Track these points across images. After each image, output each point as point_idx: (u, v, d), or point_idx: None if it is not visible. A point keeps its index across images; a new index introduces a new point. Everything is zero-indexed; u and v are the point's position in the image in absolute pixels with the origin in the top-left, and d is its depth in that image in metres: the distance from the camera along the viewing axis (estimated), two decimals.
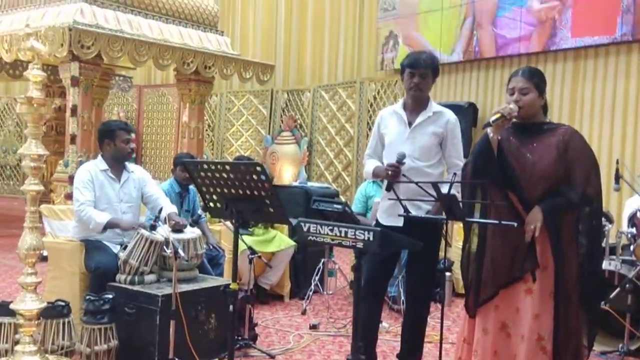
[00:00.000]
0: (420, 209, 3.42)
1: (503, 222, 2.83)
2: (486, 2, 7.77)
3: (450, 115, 3.58)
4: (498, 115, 2.95)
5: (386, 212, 3.57)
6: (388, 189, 3.38)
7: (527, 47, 7.34)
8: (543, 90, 3.06)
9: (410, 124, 3.53)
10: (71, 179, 6.14)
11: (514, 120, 3.04)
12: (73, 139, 6.57)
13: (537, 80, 3.04)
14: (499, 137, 3.02)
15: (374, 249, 2.60)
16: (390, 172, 3.36)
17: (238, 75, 8.04)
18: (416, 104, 3.55)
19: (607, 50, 6.72)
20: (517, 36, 7.43)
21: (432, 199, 3.06)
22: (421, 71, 3.47)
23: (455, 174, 3.29)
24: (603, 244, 4.26)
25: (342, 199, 9.29)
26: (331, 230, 2.65)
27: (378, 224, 3.64)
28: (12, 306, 3.17)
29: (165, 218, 3.99)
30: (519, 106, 2.98)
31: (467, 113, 7.62)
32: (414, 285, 3.64)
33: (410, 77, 3.49)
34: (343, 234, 2.61)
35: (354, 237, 2.58)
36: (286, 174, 10.25)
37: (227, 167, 2.99)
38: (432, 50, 8.27)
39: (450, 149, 3.55)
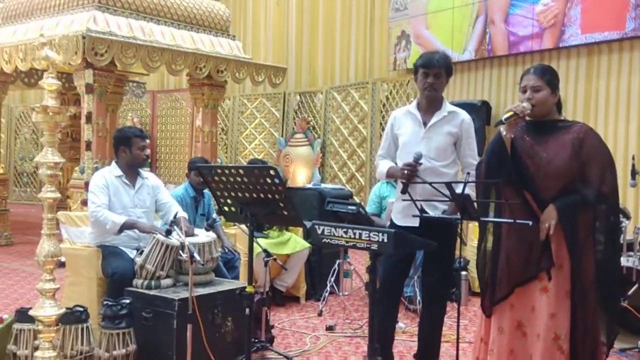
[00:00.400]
0: (437, 209, 3.42)
1: (518, 221, 2.81)
2: (499, 0, 7.73)
3: (465, 115, 3.58)
4: (510, 113, 2.94)
5: (401, 213, 3.57)
6: (403, 191, 3.38)
7: (539, 45, 7.30)
8: (556, 87, 3.04)
9: (425, 124, 3.53)
10: (87, 185, 6.18)
11: (527, 118, 3.03)
12: (88, 146, 6.63)
13: (549, 77, 3.02)
14: (513, 136, 3.00)
15: (389, 251, 2.60)
16: (407, 172, 3.36)
17: (250, 79, 8.07)
18: (430, 104, 3.55)
19: (621, 45, 6.67)
20: (529, 33, 7.39)
21: (447, 199, 3.05)
22: (435, 71, 3.47)
23: (469, 173, 3.29)
24: (621, 240, 4.23)
25: (356, 199, 9.29)
26: (345, 233, 2.66)
27: (393, 224, 3.64)
28: (31, 313, 3.19)
29: (178, 220, 4.02)
30: (532, 104, 2.96)
31: (481, 111, 7.60)
32: (430, 286, 3.64)
33: (424, 77, 3.49)
34: (357, 236, 2.62)
35: (368, 239, 2.58)
36: (300, 176, 10.26)
37: (241, 171, 3.00)
38: (443, 49, 8.28)
39: (465, 149, 3.55)
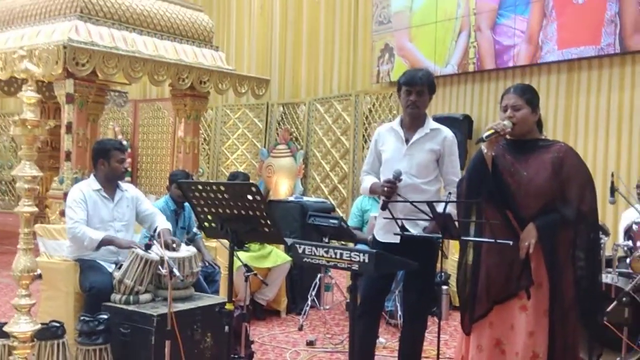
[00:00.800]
0: (417, 226, 3.42)
1: (499, 241, 2.83)
2: (487, 9, 7.82)
3: (448, 132, 3.60)
4: (491, 131, 2.96)
5: (383, 229, 3.58)
6: (383, 207, 3.39)
7: (520, 57, 7.39)
8: (536, 106, 3.07)
9: (407, 140, 3.55)
10: (66, 195, 6.12)
11: (508, 136, 3.05)
12: (68, 156, 6.56)
13: (529, 96, 3.05)
14: (494, 154, 3.02)
15: (370, 271, 2.60)
16: (386, 189, 3.36)
17: (233, 90, 8.05)
18: (413, 121, 3.57)
19: (601, 62, 6.76)
20: (512, 44, 7.47)
21: (428, 217, 3.06)
22: (418, 88, 3.49)
23: (450, 193, 3.30)
24: (599, 257, 4.26)
25: (339, 211, 9.28)
26: (326, 252, 2.65)
27: (375, 240, 3.64)
28: (6, 329, 3.14)
29: (158, 234, 3.98)
30: (513, 122, 2.99)
31: (462, 125, 7.64)
32: (411, 301, 3.64)
33: (407, 94, 3.51)
34: (338, 256, 2.61)
35: (349, 259, 2.57)
36: (282, 187, 10.24)
37: (222, 188, 2.99)
38: (427, 62, 8.33)
39: (447, 166, 3.57)
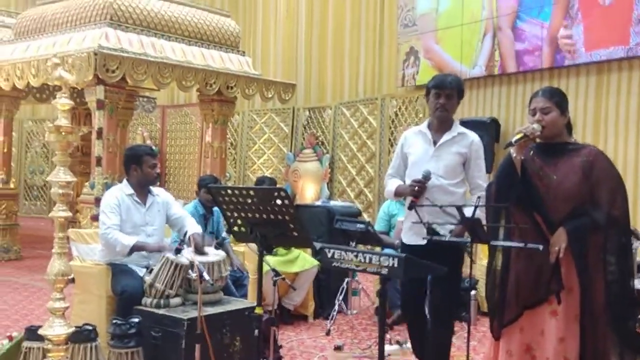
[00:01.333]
0: (444, 227, 3.42)
1: (529, 246, 2.81)
2: (507, 14, 7.78)
3: (474, 136, 3.64)
4: (520, 135, 2.94)
5: (410, 231, 3.60)
6: (410, 207, 3.40)
7: (541, 62, 7.33)
8: (565, 109, 3.05)
9: (435, 142, 3.58)
10: (97, 200, 6.22)
11: (537, 140, 3.03)
12: (99, 161, 6.66)
13: (557, 99, 3.03)
14: (523, 157, 3.01)
15: (399, 276, 2.60)
16: (416, 188, 3.38)
17: (260, 95, 8.11)
18: (441, 125, 3.61)
19: (630, 63, 6.66)
20: (531, 48, 7.44)
21: (456, 223, 3.05)
22: (447, 92, 3.53)
23: (479, 197, 3.29)
24: (632, 262, 4.19)
25: (365, 216, 9.28)
26: (355, 257, 2.66)
27: (403, 243, 3.66)
28: (40, 332, 3.20)
29: (189, 239, 4.03)
30: (542, 125, 2.97)
31: (490, 128, 7.59)
32: (437, 305, 3.63)
33: (436, 97, 3.54)
34: (367, 260, 2.62)
35: (378, 263, 2.58)
36: (308, 192, 10.27)
37: (251, 192, 3.02)
38: (454, 64, 8.30)
39: (474, 169, 3.59)
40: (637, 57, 6.53)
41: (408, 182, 3.58)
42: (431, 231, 3.28)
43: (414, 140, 3.68)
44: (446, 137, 3.58)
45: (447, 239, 3.25)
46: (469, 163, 3.59)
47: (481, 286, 5.50)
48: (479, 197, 3.27)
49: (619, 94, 6.78)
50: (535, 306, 2.96)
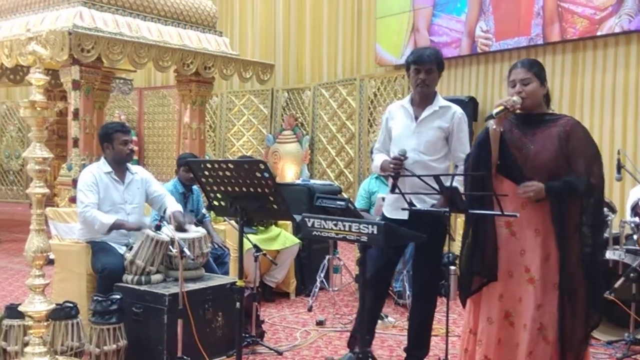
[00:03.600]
0: (425, 203, 3.45)
1: (506, 213, 2.84)
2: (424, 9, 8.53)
3: (457, 109, 3.62)
4: (501, 107, 2.96)
5: (391, 206, 3.62)
6: (392, 189, 3.41)
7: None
8: (544, 80, 3.07)
9: (416, 118, 3.57)
10: (75, 182, 6.16)
11: (517, 111, 3.06)
12: (76, 143, 6.59)
13: (536, 69, 3.05)
14: (502, 129, 3.03)
15: (379, 243, 2.62)
16: (392, 166, 3.39)
17: (238, 75, 8.05)
18: (423, 99, 3.59)
19: (606, 41, 6.74)
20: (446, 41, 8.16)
21: (435, 192, 3.08)
22: (427, 67, 3.51)
23: (457, 166, 3.31)
24: (607, 234, 4.27)
25: (345, 196, 9.30)
26: (335, 225, 2.68)
27: (384, 217, 3.67)
28: (21, 308, 3.19)
29: (169, 217, 4.01)
30: (522, 97, 2.99)
31: (468, 107, 7.62)
32: (420, 281, 3.67)
33: (416, 73, 3.53)
34: (347, 228, 2.63)
35: (358, 231, 2.60)
36: (288, 173, 10.27)
37: (231, 166, 3.01)
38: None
39: (455, 143, 3.57)
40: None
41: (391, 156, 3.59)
42: (411, 204, 3.30)
43: (396, 115, 3.66)
44: (427, 111, 3.55)
45: (425, 209, 3.27)
46: (451, 137, 3.56)
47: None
48: (456, 167, 3.29)
49: (594, 71, 6.88)
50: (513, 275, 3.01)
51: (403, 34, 8.89)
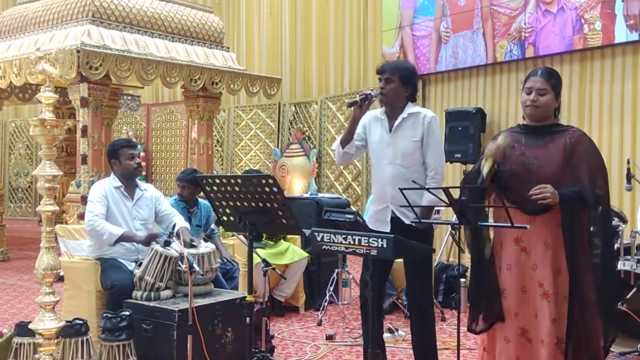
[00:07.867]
0: (407, 217, 3.43)
1: (515, 225, 2.82)
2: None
3: (427, 112, 3.59)
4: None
5: (373, 217, 3.60)
6: (351, 105, 3.52)
7: None
8: (559, 93, 3.05)
9: (390, 129, 3.57)
10: (83, 199, 6.20)
11: (525, 122, 3.05)
12: (84, 159, 6.63)
13: (554, 81, 3.03)
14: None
15: (388, 256, 2.61)
16: (358, 98, 3.46)
17: (245, 90, 8.09)
18: (392, 109, 3.58)
19: (613, 51, 6.73)
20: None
21: (444, 205, 3.06)
22: (385, 76, 3.54)
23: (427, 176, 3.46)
24: (617, 244, 4.24)
25: (353, 209, 9.28)
26: (344, 239, 2.67)
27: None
28: (31, 326, 3.19)
29: (177, 232, 4.01)
30: (536, 106, 2.97)
31: (475, 118, 7.62)
32: (414, 298, 3.63)
33: (379, 82, 3.58)
34: (356, 242, 2.62)
35: (367, 244, 2.59)
36: (296, 186, 10.27)
37: (239, 181, 3.01)
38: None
39: (426, 147, 3.52)
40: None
41: (372, 169, 3.66)
42: (396, 218, 3.39)
43: (373, 125, 3.64)
44: (397, 121, 3.53)
45: (435, 222, 3.26)
46: (424, 141, 3.52)
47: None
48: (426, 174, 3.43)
49: (602, 82, 6.86)
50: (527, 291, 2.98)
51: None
